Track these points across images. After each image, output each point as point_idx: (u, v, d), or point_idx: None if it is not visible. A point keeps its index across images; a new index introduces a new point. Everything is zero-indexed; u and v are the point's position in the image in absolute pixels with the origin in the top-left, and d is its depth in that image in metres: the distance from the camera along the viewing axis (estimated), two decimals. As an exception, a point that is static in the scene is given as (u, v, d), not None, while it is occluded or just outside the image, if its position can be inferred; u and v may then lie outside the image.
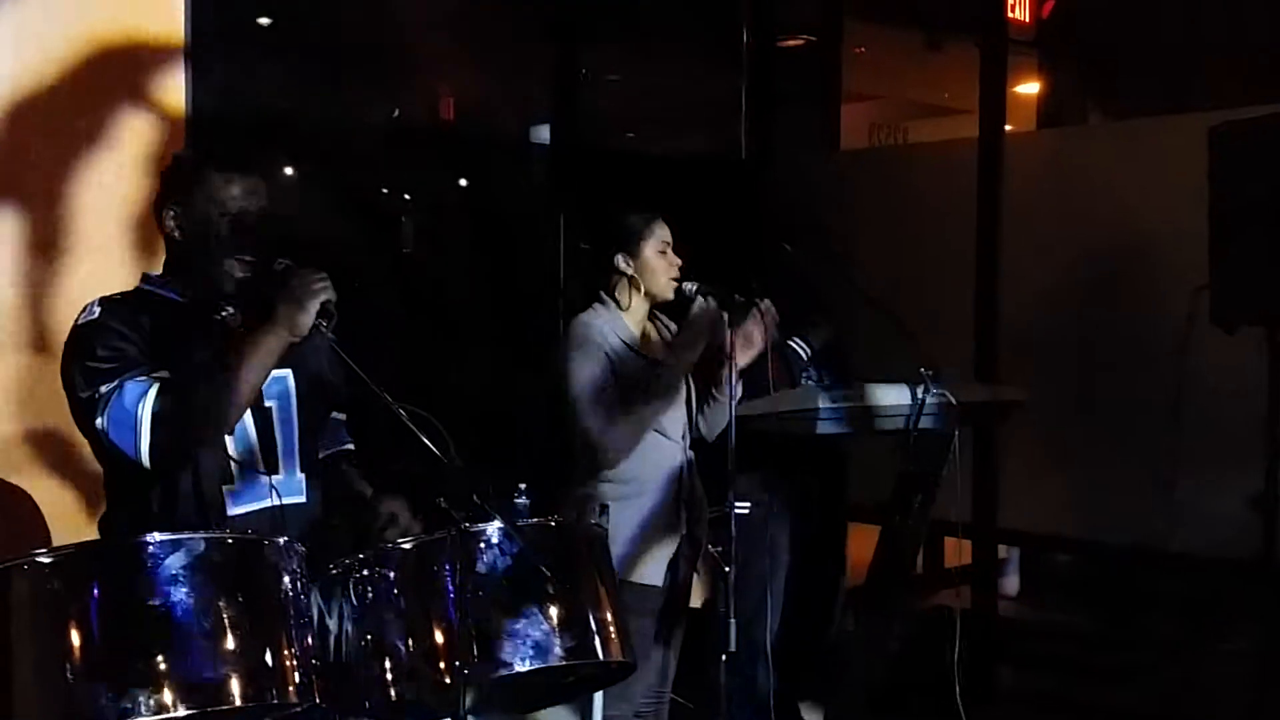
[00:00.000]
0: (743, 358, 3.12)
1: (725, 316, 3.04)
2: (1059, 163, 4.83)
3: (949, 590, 4.76)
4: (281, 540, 2.01)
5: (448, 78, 5.51)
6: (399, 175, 5.18)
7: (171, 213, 2.31)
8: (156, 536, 1.86)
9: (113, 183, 3.34)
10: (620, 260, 3.22)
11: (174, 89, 3.46)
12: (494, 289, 5.14)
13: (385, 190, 5.36)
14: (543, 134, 5.62)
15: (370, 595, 2.12)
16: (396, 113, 5.51)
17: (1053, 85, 7.36)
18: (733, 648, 2.98)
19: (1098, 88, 7.27)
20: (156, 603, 1.78)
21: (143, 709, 1.73)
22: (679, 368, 3.16)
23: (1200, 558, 4.09)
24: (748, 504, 3.14)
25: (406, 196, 5.41)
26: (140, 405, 2.10)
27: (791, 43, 6.34)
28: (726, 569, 2.98)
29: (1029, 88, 7.43)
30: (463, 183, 5.47)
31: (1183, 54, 6.18)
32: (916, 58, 7.01)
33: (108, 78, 3.33)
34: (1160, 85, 6.44)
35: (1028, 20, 6.83)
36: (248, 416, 2.27)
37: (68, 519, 3.13)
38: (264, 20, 4.94)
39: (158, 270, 2.42)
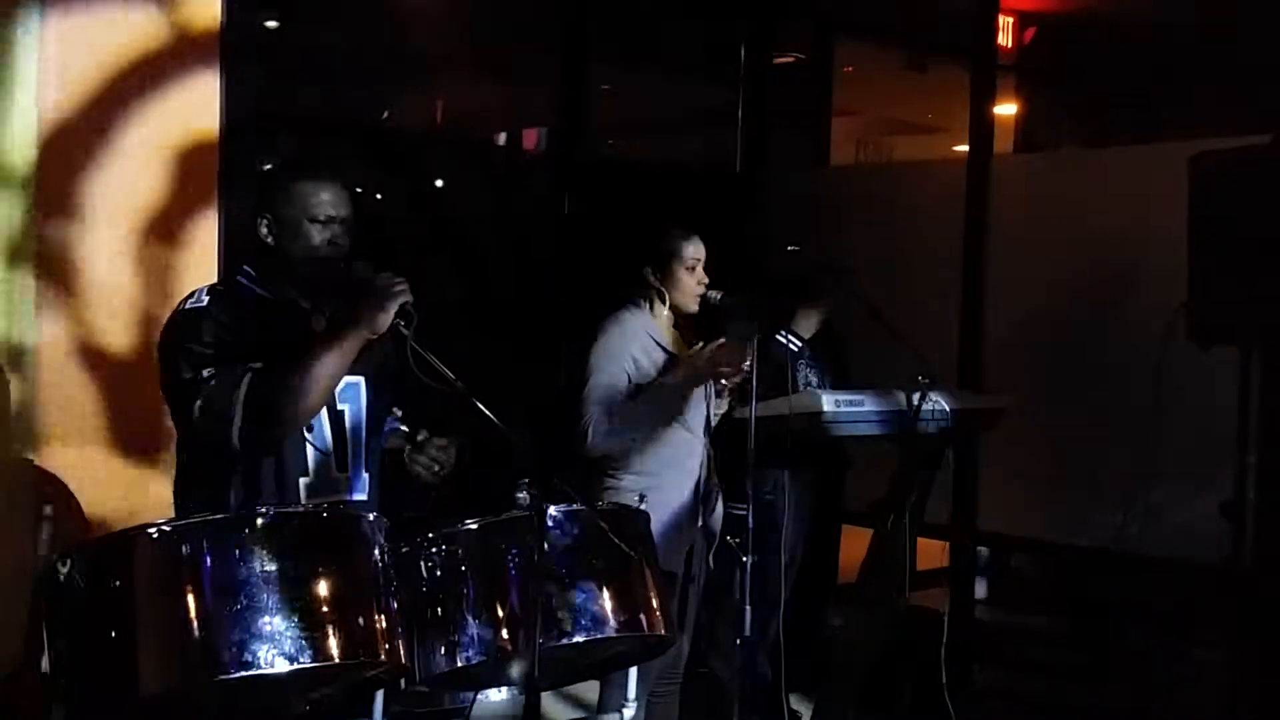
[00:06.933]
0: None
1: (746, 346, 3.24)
2: (1043, 184, 5.07)
3: (925, 591, 4.97)
4: (372, 515, 2.19)
5: (442, 83, 5.62)
6: (378, 177, 5.23)
7: (265, 220, 2.46)
8: (269, 509, 2.05)
9: (146, 186, 3.46)
10: (648, 273, 3.42)
11: (209, 90, 3.59)
12: (478, 289, 5.20)
13: (359, 190, 5.41)
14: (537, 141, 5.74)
15: (440, 571, 2.30)
16: (386, 114, 5.61)
17: (1030, 110, 7.60)
18: (748, 633, 3.18)
19: (1074, 114, 7.53)
20: (269, 568, 1.96)
21: (259, 663, 1.90)
22: (680, 388, 3.33)
23: (1173, 562, 4.32)
24: (744, 507, 3.31)
25: (379, 197, 5.46)
26: (235, 393, 2.25)
27: (785, 60, 6.54)
28: (744, 559, 3.18)
29: (1006, 109, 7.69)
30: (439, 184, 5.51)
31: (1160, 82, 6.44)
32: (902, 78, 7.25)
33: (144, 81, 3.45)
34: (1136, 113, 6.71)
35: (1010, 45, 7.08)
36: (324, 416, 2.44)
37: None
38: (271, 23, 5.02)
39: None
